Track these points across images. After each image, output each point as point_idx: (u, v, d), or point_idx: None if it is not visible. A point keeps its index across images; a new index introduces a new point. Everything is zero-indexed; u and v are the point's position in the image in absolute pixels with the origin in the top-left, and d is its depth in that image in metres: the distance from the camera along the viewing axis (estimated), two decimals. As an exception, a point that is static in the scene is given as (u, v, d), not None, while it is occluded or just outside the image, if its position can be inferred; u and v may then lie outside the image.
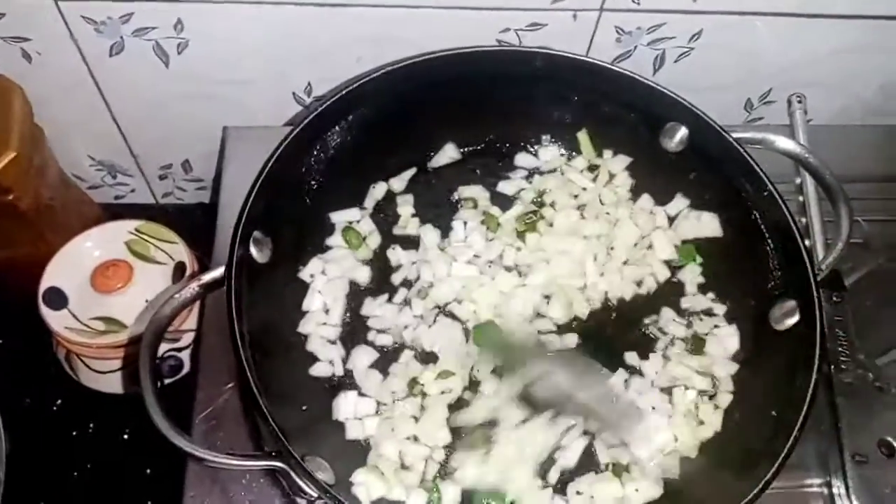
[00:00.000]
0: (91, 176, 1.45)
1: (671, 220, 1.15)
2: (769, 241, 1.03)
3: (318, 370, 1.02)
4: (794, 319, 0.96)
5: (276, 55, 1.20)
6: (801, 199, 1.24)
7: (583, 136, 1.19)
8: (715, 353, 1.06)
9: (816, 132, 1.28)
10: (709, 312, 1.10)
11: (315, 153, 1.05)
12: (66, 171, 1.35)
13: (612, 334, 1.09)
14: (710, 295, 1.11)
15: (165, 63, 1.19)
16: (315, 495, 0.81)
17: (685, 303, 1.11)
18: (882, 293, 1.19)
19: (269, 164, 0.96)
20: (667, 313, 1.09)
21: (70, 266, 1.24)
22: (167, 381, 1.26)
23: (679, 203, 1.15)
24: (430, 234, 1.12)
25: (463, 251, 1.10)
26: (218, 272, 0.91)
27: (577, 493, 0.94)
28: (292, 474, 0.82)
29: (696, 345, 1.06)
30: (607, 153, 1.18)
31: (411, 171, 1.17)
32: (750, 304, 1.05)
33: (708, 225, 1.13)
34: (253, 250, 0.94)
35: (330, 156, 1.07)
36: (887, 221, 1.29)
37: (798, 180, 1.25)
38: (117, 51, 1.16)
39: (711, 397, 1.03)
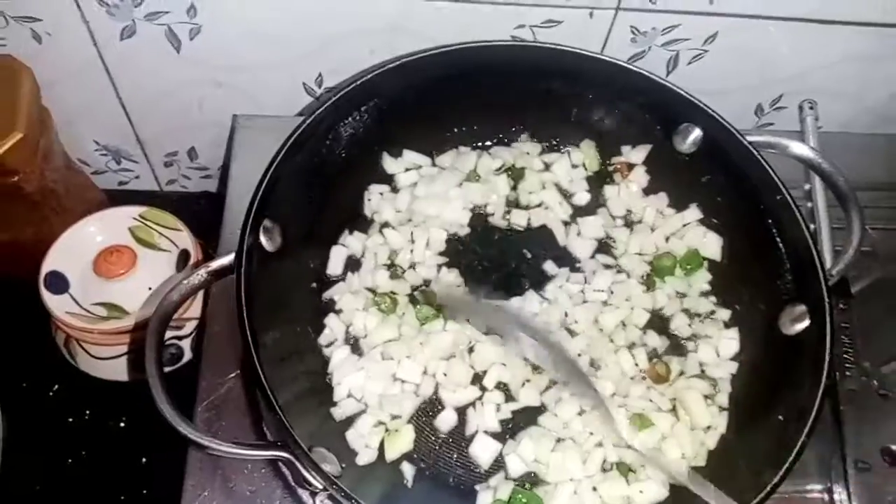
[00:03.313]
0: (96, 161, 1.43)
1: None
2: (781, 245, 1.02)
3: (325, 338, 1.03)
4: (804, 325, 0.96)
5: (289, 44, 1.19)
6: (809, 205, 1.23)
7: (587, 146, 1.19)
8: (713, 357, 1.06)
9: (826, 139, 1.28)
10: (711, 315, 1.10)
11: (328, 143, 1.04)
12: (70, 155, 1.34)
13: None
14: (713, 298, 1.11)
15: (177, 48, 1.18)
16: (321, 487, 0.80)
17: (687, 303, 1.11)
18: (888, 302, 1.19)
19: (283, 152, 0.95)
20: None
21: (73, 251, 1.23)
22: (167, 369, 1.24)
23: (693, 213, 1.14)
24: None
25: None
26: (227, 259, 0.90)
27: (593, 489, 0.94)
28: (298, 465, 0.81)
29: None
30: (625, 148, 1.18)
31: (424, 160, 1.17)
32: (759, 308, 1.05)
33: (710, 246, 1.13)
34: (263, 238, 0.93)
35: (342, 146, 1.06)
36: (895, 230, 1.29)
37: (807, 186, 1.24)
38: (128, 34, 1.15)
39: (712, 398, 1.03)
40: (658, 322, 1.09)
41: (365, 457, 0.95)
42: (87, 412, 1.33)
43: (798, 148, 1.06)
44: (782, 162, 1.06)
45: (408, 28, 1.17)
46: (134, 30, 1.14)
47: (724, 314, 1.09)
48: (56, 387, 1.34)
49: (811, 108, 1.31)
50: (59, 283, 1.21)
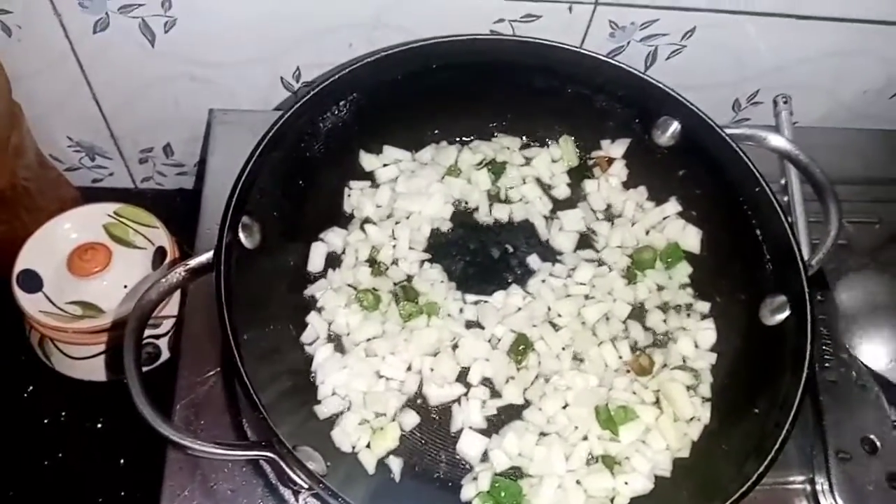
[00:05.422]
0: (69, 157, 1.41)
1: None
2: (760, 236, 1.03)
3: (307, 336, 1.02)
4: (785, 315, 0.97)
5: (266, 38, 1.18)
6: (785, 199, 1.24)
7: (565, 142, 1.19)
8: (693, 348, 1.06)
9: (801, 134, 1.28)
10: (690, 307, 1.11)
11: (306, 138, 1.03)
12: (43, 151, 1.32)
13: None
14: (689, 290, 1.12)
15: (151, 42, 1.16)
16: (306, 486, 0.79)
17: (667, 296, 1.11)
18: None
19: (261, 148, 0.94)
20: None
21: (46, 248, 1.21)
22: (144, 368, 1.22)
23: (673, 206, 1.15)
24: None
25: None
26: (206, 257, 0.89)
27: (577, 482, 0.94)
28: (282, 465, 0.80)
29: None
30: (605, 142, 1.18)
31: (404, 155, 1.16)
32: (739, 299, 1.05)
33: (690, 239, 1.13)
34: (242, 235, 0.92)
35: (321, 141, 1.05)
36: (869, 224, 1.31)
37: (783, 180, 1.25)
38: (102, 28, 1.13)
39: (695, 389, 1.03)
40: (640, 315, 1.10)
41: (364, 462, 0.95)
42: (63, 413, 1.31)
43: (776, 140, 1.08)
44: (757, 156, 1.07)
45: (387, 23, 1.16)
46: (107, 23, 1.12)
47: (704, 306, 1.10)
48: (31, 388, 1.33)
49: (785, 102, 1.31)
50: (32, 281, 1.19)
